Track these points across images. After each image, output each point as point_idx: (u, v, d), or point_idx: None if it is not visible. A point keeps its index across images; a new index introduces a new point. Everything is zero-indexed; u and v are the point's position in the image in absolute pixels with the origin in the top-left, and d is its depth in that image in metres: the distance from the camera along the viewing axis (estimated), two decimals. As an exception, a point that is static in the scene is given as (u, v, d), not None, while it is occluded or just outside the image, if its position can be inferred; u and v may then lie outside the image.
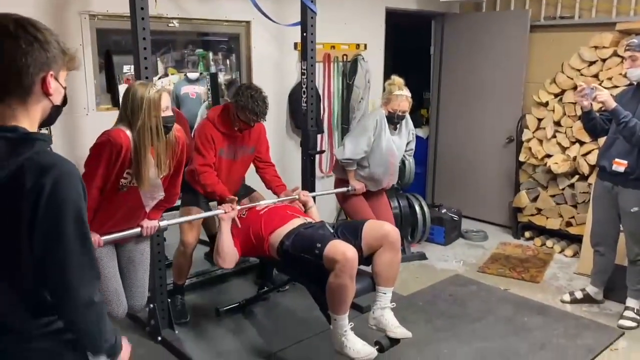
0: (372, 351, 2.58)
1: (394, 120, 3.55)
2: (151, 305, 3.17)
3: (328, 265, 2.53)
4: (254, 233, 2.88)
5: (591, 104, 3.20)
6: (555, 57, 4.69)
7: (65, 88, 1.30)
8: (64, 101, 1.32)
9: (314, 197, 3.40)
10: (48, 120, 1.32)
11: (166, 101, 2.37)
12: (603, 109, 3.19)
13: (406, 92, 3.53)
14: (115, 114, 3.31)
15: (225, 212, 2.88)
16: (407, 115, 3.69)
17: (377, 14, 4.92)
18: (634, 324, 3.34)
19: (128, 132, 2.33)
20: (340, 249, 2.52)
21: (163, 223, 2.66)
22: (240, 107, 3.11)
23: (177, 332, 3.20)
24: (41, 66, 1.21)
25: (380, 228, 2.83)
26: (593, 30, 4.52)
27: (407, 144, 3.81)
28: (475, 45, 5.23)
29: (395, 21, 5.32)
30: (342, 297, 2.56)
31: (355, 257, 2.53)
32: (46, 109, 1.28)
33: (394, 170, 3.74)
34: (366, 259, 2.83)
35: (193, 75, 4.47)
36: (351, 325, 2.61)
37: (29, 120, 1.24)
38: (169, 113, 2.39)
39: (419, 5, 5.20)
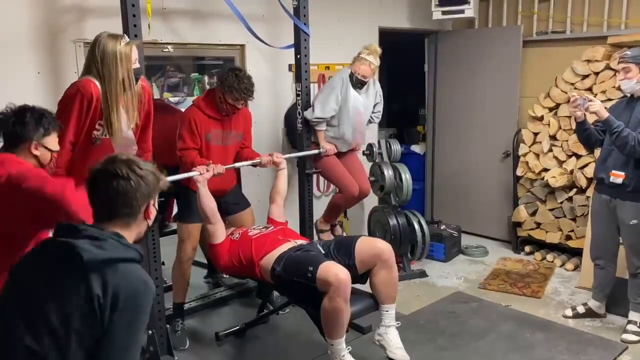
0: None
1: (352, 81, 3.72)
2: (150, 332, 3.15)
3: (321, 287, 2.51)
4: (244, 255, 2.88)
5: (584, 115, 3.22)
6: (549, 71, 4.72)
7: (157, 209, 1.62)
8: (154, 221, 1.62)
9: (288, 160, 3.54)
10: (141, 238, 1.63)
11: (136, 54, 2.44)
12: (597, 120, 3.21)
13: (373, 60, 3.69)
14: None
15: (201, 174, 2.92)
16: (375, 78, 3.92)
17: (371, 33, 4.96)
18: (636, 338, 3.31)
19: (97, 83, 2.35)
20: (333, 271, 2.50)
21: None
22: (227, 88, 3.16)
23: (176, 358, 3.17)
24: (145, 198, 1.55)
25: (373, 246, 2.83)
26: (585, 44, 4.56)
27: (375, 105, 4.00)
28: (469, 62, 5.27)
29: (390, 40, 5.36)
30: (337, 321, 2.53)
31: (348, 279, 2.51)
32: (143, 229, 1.61)
33: (362, 128, 3.93)
34: (361, 276, 2.83)
35: (174, 99, 4.42)
36: (349, 349, 2.58)
37: (129, 237, 1.55)
38: (137, 65, 2.46)
39: (412, 24, 5.24)
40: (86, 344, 1.39)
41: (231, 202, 3.49)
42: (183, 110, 3.75)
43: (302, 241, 2.98)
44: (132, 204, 1.52)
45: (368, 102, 3.87)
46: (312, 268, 2.55)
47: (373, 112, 4.02)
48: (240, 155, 3.48)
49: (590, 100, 3.13)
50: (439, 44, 5.53)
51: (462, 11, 4.80)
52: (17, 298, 1.47)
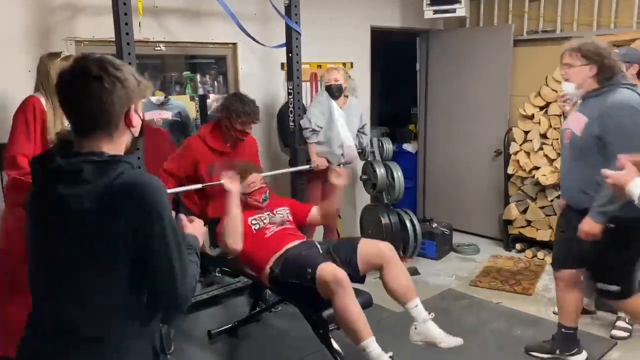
0: None
1: (332, 91, 3.92)
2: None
3: (322, 288, 2.52)
4: (256, 257, 2.89)
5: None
6: (539, 70, 4.75)
7: (142, 117, 1.42)
8: (141, 132, 1.43)
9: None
10: (129, 150, 1.43)
11: None
12: None
13: (341, 69, 4.04)
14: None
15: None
16: (357, 101, 4.33)
17: (363, 32, 4.98)
18: (626, 334, 3.34)
19: (42, 98, 2.63)
20: (329, 270, 2.52)
21: None
22: (233, 115, 3.16)
23: (168, 357, 3.17)
24: (124, 102, 1.33)
25: (375, 247, 2.83)
26: (575, 43, 4.59)
27: (363, 126, 4.26)
28: (461, 61, 5.29)
29: (383, 39, 5.38)
30: (353, 317, 2.49)
31: (345, 276, 2.52)
32: (128, 140, 1.40)
33: (350, 143, 4.08)
34: (362, 277, 2.84)
35: (156, 99, 4.32)
36: (390, 355, 2.49)
37: (115, 151, 1.35)
38: None
39: (403, 23, 5.27)
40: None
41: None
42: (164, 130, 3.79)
43: (302, 240, 2.99)
44: (109, 110, 1.31)
45: (349, 117, 4.05)
46: (310, 270, 2.56)
47: (360, 131, 4.22)
48: None
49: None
50: (431, 43, 5.55)
51: (453, 10, 4.83)
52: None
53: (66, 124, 2.59)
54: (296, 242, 2.92)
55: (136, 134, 1.41)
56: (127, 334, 1.36)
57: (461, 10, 4.82)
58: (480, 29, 5.36)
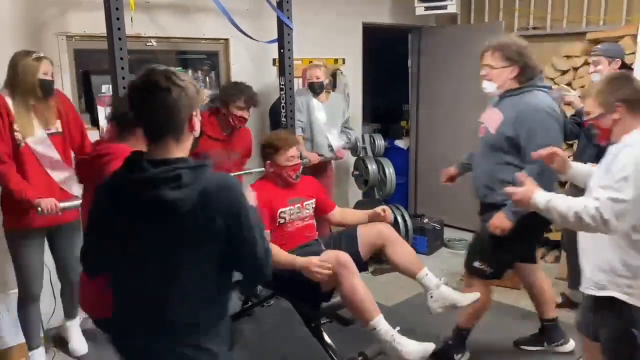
0: (428, 346, 2.50)
1: (314, 88, 3.99)
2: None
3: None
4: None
5: (559, 105, 3.29)
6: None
7: (200, 121, 1.58)
8: (200, 133, 1.59)
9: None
10: (191, 151, 1.58)
11: (45, 67, 2.69)
12: (573, 114, 3.28)
13: (323, 65, 4.09)
14: (95, 133, 3.33)
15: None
16: (338, 95, 4.36)
17: (354, 29, 4.99)
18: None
19: (7, 93, 2.66)
20: (331, 255, 2.55)
21: (62, 204, 2.66)
22: (230, 99, 3.22)
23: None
24: (188, 109, 1.49)
25: (373, 228, 2.88)
26: (564, 40, 4.65)
27: (347, 120, 4.31)
28: (452, 57, 5.32)
29: (375, 35, 5.40)
30: (360, 297, 2.50)
31: (349, 257, 2.55)
32: (190, 142, 1.55)
33: (332, 138, 4.13)
34: (365, 263, 2.88)
35: None
36: (397, 329, 2.52)
37: (182, 153, 1.51)
38: (49, 78, 2.71)
39: (395, 19, 5.29)
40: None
41: None
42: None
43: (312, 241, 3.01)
44: (177, 118, 1.47)
45: (333, 115, 4.08)
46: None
47: (345, 126, 4.25)
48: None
49: (566, 91, 3.20)
50: (422, 40, 5.58)
51: (444, 7, 4.86)
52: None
53: (35, 123, 2.70)
54: (307, 242, 2.94)
55: (197, 135, 1.57)
56: (215, 319, 1.57)
57: (452, 6, 4.85)
58: (471, 25, 5.39)
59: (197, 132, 1.55)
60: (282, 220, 2.89)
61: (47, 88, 2.71)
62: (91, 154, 2.16)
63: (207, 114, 3.38)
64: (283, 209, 2.89)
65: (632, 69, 4.19)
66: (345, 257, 2.55)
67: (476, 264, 2.86)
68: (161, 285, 1.50)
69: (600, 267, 2.01)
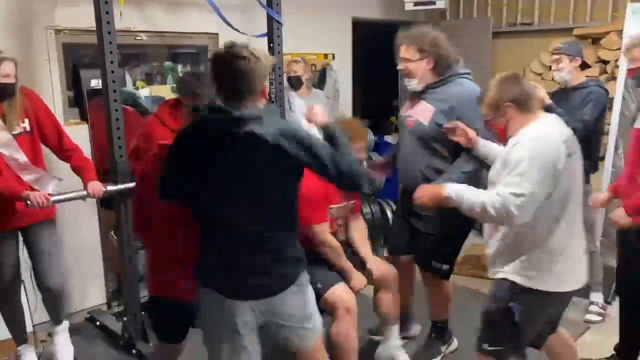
0: None
1: (292, 82, 4.04)
2: (125, 319, 3.18)
3: (328, 307, 2.54)
4: None
5: None
6: (518, 62, 4.84)
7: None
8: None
9: None
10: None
11: (6, 69, 2.55)
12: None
13: (302, 61, 4.12)
14: (84, 127, 3.32)
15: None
16: (319, 91, 4.47)
17: (344, 24, 5.01)
18: (599, 318, 3.45)
19: None
20: (339, 295, 2.54)
21: (53, 198, 2.67)
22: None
23: (151, 344, 3.19)
24: (262, 77, 1.81)
25: (383, 267, 2.91)
26: (552, 35, 4.70)
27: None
28: (441, 53, 5.35)
29: (365, 31, 5.42)
30: (351, 346, 2.55)
31: (354, 303, 2.57)
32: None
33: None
34: None
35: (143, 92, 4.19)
36: None
37: None
38: (10, 80, 2.57)
39: (384, 14, 5.31)
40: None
41: None
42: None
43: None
44: (254, 83, 1.77)
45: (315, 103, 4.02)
46: (320, 285, 2.55)
47: None
48: None
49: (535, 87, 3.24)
50: (412, 35, 5.59)
51: (433, 2, 4.88)
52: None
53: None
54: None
55: (266, 99, 1.90)
56: (293, 234, 1.90)
57: (441, 2, 4.87)
58: (460, 21, 5.42)
59: (265, 96, 1.86)
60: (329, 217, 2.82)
61: (6, 92, 2.59)
62: None
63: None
64: (333, 206, 2.82)
65: (590, 67, 4.28)
66: (351, 302, 2.57)
67: (435, 263, 2.91)
68: (249, 207, 1.79)
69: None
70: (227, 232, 1.85)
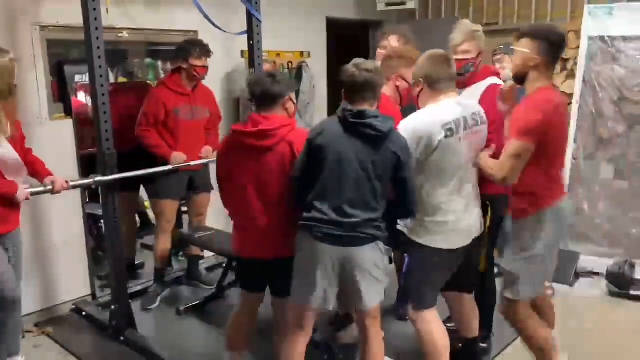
0: None
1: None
2: (112, 307, 3.26)
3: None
4: None
5: None
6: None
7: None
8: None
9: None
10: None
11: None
12: None
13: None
14: (68, 122, 3.37)
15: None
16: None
17: (319, 23, 5.17)
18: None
19: None
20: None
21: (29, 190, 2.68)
22: (189, 55, 3.45)
23: (139, 331, 3.29)
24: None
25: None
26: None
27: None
28: (412, 51, 5.55)
29: (340, 31, 5.59)
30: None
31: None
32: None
33: None
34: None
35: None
36: None
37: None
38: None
39: (358, 14, 5.49)
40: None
41: (198, 181, 3.71)
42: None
43: None
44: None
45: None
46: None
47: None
48: (207, 137, 3.71)
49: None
50: (383, 34, 5.79)
51: (403, 3, 5.09)
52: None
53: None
54: None
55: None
56: (382, 212, 2.32)
57: (411, 2, 5.08)
58: (429, 21, 5.64)
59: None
60: None
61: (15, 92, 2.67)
62: (253, 130, 2.40)
63: (169, 74, 3.61)
64: None
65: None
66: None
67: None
68: (361, 187, 2.24)
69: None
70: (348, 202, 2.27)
